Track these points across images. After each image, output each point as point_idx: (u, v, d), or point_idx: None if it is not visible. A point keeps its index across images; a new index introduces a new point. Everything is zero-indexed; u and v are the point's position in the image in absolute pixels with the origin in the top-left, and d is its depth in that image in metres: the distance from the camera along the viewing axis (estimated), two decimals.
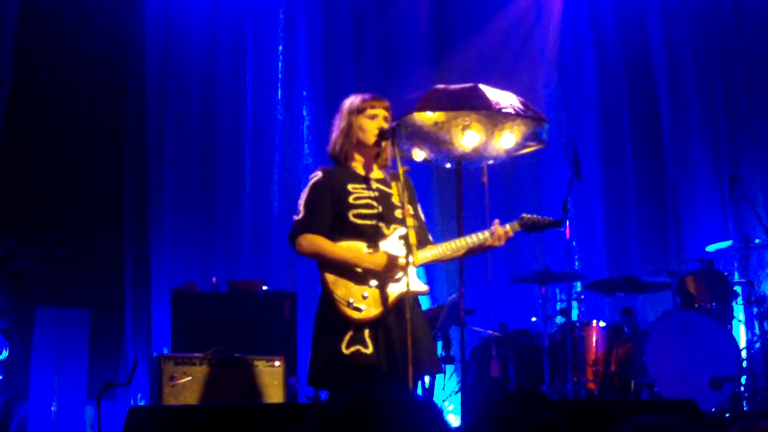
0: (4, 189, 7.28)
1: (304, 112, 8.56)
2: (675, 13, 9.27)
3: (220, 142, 8.32)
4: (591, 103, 9.11)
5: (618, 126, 9.12)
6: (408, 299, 4.06)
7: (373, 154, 4.38)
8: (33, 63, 7.51)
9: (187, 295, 6.84)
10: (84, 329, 6.93)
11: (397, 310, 4.12)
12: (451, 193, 7.78)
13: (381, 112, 4.36)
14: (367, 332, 4.11)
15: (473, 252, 4.45)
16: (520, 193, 8.83)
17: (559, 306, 7.54)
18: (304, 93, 8.59)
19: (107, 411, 6.70)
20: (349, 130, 4.35)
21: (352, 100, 4.40)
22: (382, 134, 4.32)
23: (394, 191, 4.35)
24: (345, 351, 4.08)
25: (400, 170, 4.27)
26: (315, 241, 4.21)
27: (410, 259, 4.08)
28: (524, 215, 4.54)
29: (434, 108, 6.25)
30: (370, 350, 4.08)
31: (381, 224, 4.24)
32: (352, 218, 4.23)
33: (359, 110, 4.35)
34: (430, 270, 8.03)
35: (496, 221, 4.44)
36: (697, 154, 9.02)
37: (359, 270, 4.17)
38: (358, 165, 4.39)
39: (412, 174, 4.49)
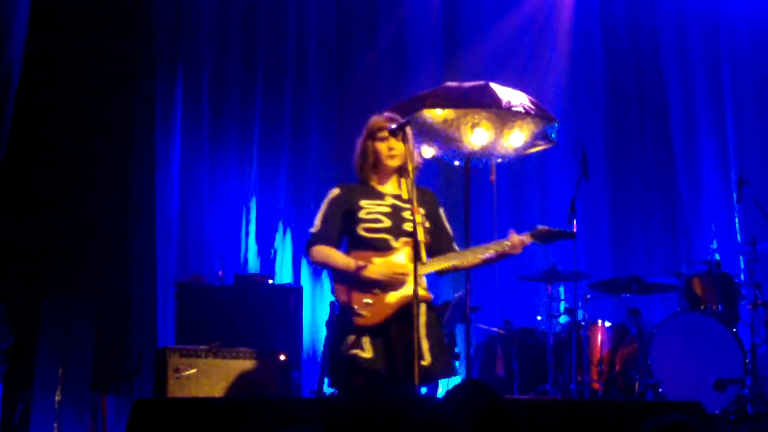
0: (11, 179, 7.27)
1: (313, 110, 8.55)
2: (686, 15, 9.25)
3: (228, 137, 8.31)
4: (600, 103, 9.09)
5: (627, 127, 9.11)
6: (417, 305, 4.18)
7: (389, 171, 4.53)
8: (42, 51, 7.49)
9: (192, 288, 6.85)
10: (89, 319, 6.93)
11: (401, 317, 4.28)
12: (459, 190, 7.78)
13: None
14: (367, 338, 4.29)
15: (489, 261, 4.60)
16: (527, 192, 8.82)
17: (564, 305, 7.53)
18: (314, 92, 8.58)
19: (111, 402, 6.72)
20: (365, 153, 4.54)
21: (370, 122, 4.57)
22: (392, 131, 4.39)
23: (404, 193, 4.40)
24: (344, 353, 4.29)
25: (410, 166, 4.34)
26: (324, 251, 4.44)
27: (419, 256, 4.18)
28: (539, 226, 4.63)
29: (444, 105, 6.26)
30: (369, 354, 4.27)
31: (389, 237, 4.39)
32: (361, 232, 4.42)
33: (370, 134, 4.53)
34: None
35: (512, 231, 4.55)
36: (706, 155, 9.01)
37: (364, 279, 4.33)
38: (375, 182, 4.56)
39: (419, 171, 4.55)
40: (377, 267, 4.31)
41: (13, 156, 6.91)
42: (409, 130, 4.52)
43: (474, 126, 6.28)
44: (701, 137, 9.05)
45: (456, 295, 6.84)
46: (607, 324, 7.20)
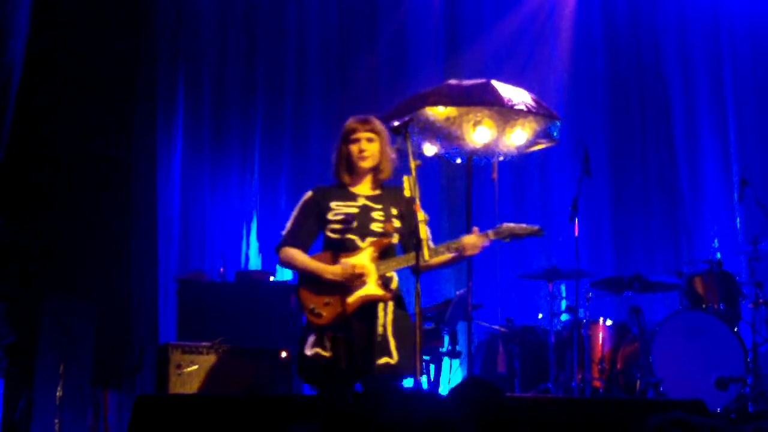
0: (11, 178, 7.27)
1: (314, 110, 8.54)
2: (687, 15, 9.26)
3: (229, 135, 8.31)
4: (601, 101, 9.09)
5: (628, 125, 9.12)
6: (387, 303, 4.37)
7: (362, 172, 4.59)
8: (42, 51, 7.48)
9: (193, 284, 6.85)
10: (90, 319, 6.92)
11: (361, 316, 4.38)
12: (460, 188, 7.78)
13: (363, 135, 4.56)
14: (327, 336, 4.38)
15: (453, 260, 4.58)
16: (529, 190, 8.83)
17: (565, 303, 7.52)
18: (314, 92, 8.58)
19: (113, 398, 6.72)
20: (339, 155, 4.63)
21: (344, 127, 4.65)
22: (395, 130, 4.43)
23: (406, 190, 4.39)
24: (307, 353, 4.38)
25: (412, 165, 4.34)
26: (289, 254, 4.56)
27: (421, 253, 4.18)
28: (504, 224, 4.61)
29: (447, 103, 6.26)
30: (329, 353, 4.35)
31: (354, 237, 4.46)
32: (328, 233, 4.52)
33: (343, 137, 4.61)
34: None
35: (475, 228, 4.53)
36: (707, 154, 9.03)
37: (324, 280, 4.41)
38: (349, 183, 4.63)
39: (421, 169, 4.54)
40: (333, 268, 4.39)
41: (13, 156, 6.91)
42: (380, 127, 4.58)
43: (476, 124, 6.29)
44: (703, 136, 9.06)
45: (458, 292, 6.84)
46: (609, 322, 7.20)
